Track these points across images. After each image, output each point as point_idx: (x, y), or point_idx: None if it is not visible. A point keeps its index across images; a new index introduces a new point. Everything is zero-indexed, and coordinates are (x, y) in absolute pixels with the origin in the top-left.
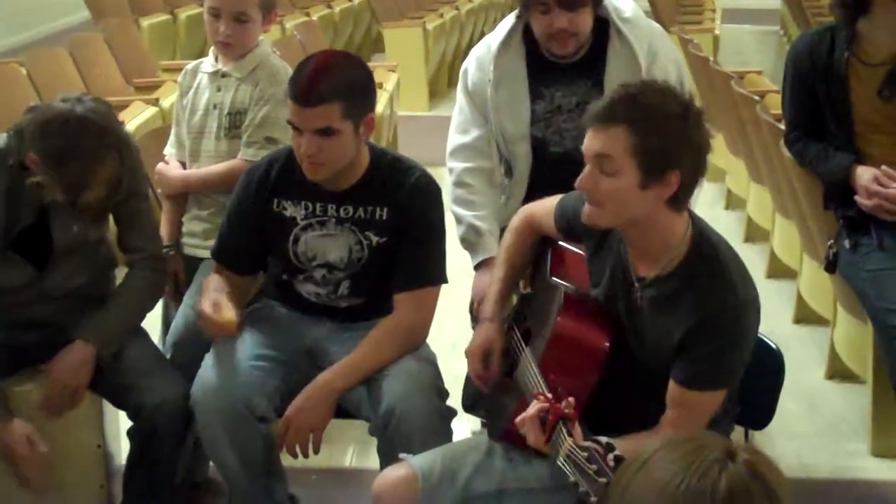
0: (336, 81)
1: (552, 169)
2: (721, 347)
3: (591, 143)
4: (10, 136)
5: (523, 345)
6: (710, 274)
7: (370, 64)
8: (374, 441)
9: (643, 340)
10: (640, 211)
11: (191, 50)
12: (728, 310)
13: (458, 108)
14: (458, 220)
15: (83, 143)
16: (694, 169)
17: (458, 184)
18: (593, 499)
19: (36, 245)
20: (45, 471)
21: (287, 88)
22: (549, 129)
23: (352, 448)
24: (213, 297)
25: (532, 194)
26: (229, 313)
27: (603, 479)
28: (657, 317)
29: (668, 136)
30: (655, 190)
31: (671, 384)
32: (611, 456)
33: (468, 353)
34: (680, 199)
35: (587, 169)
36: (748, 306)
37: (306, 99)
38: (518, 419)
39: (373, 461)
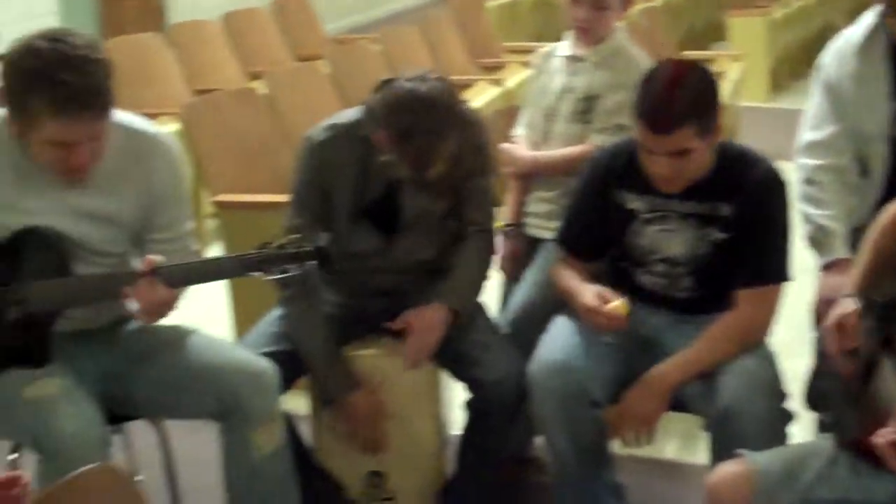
0: (688, 104)
1: None
2: None
3: None
4: (362, 111)
5: (885, 353)
6: None
7: (712, 53)
8: (699, 435)
9: None
10: None
11: (533, 31)
12: None
13: (812, 102)
14: (806, 218)
15: (428, 121)
16: None
17: (808, 181)
18: None
19: (386, 216)
20: (382, 437)
21: (635, 105)
22: None
23: (675, 441)
24: (592, 289)
25: (889, 195)
26: (617, 300)
27: None
28: None
29: None
30: None
31: None
32: None
33: (824, 329)
34: None
35: None
36: None
37: (659, 127)
38: (875, 440)
39: (697, 456)
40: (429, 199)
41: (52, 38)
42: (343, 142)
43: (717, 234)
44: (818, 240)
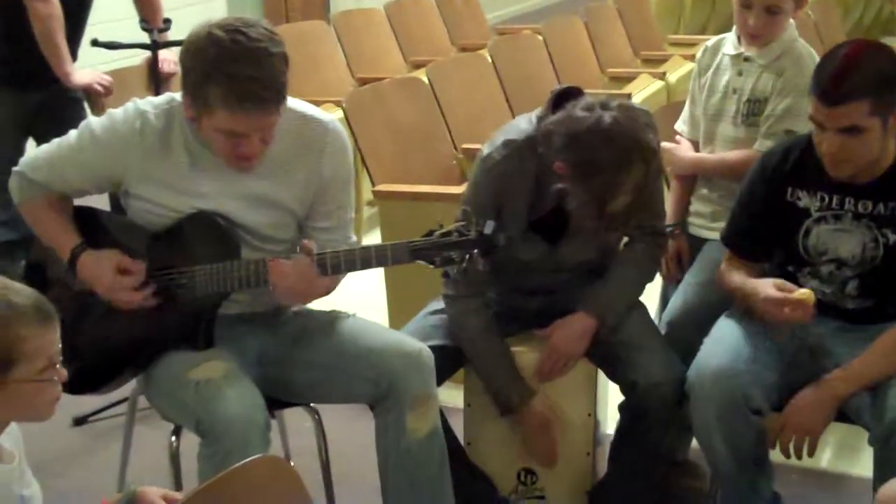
0: (864, 77)
1: None
2: None
3: None
4: (536, 126)
5: None
6: None
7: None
8: (857, 446)
9: None
10: None
11: (695, 24)
12: None
13: None
14: None
15: (612, 156)
16: None
17: None
18: None
19: (553, 225)
20: (553, 446)
21: (811, 82)
22: None
23: (830, 450)
24: (772, 281)
25: None
26: (801, 289)
27: None
28: None
29: None
30: None
31: None
32: None
33: None
34: None
35: None
36: None
37: (831, 97)
38: None
39: (857, 467)
40: (605, 227)
41: (233, 28)
42: (518, 160)
43: (893, 237)
44: None
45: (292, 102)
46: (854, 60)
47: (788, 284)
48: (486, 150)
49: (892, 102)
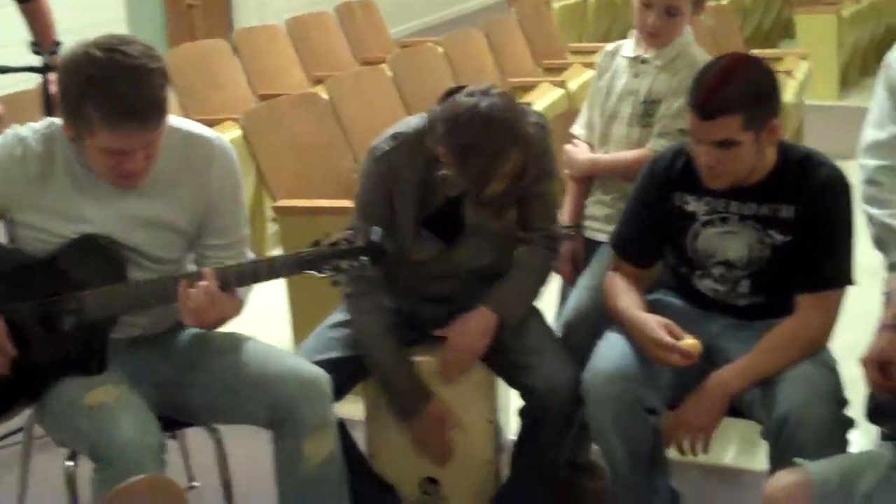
0: (737, 92)
1: None
2: None
3: None
4: (425, 120)
5: None
6: None
7: (780, 51)
8: (758, 441)
9: None
10: None
11: (598, 32)
12: None
13: (875, 101)
14: (870, 219)
15: (487, 140)
16: None
17: (870, 182)
18: None
19: (447, 224)
20: (451, 446)
21: (687, 96)
22: None
23: (734, 446)
24: (658, 320)
25: None
26: (689, 338)
27: None
28: None
29: None
30: None
31: None
32: None
33: (863, 362)
34: None
35: None
36: None
37: (705, 111)
38: None
39: (756, 462)
40: (488, 214)
41: (108, 46)
42: (407, 152)
43: (778, 237)
44: (883, 239)
45: (178, 121)
46: (728, 75)
47: (676, 328)
48: (374, 142)
49: (764, 117)
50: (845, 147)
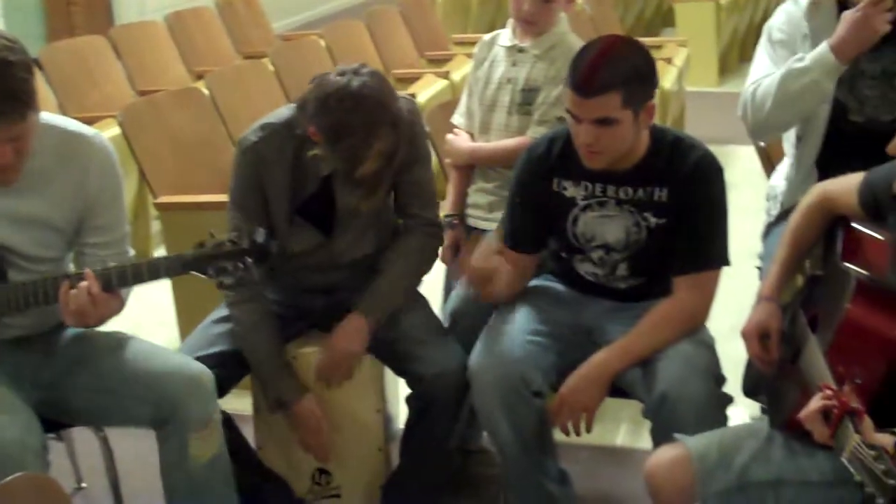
0: (616, 70)
1: (849, 138)
2: None
3: None
4: (297, 107)
5: (809, 331)
6: None
7: (660, 39)
8: (647, 421)
9: None
10: None
11: (482, 23)
12: None
13: (756, 62)
14: (754, 93)
15: (358, 119)
16: None
17: (754, 86)
18: (879, 501)
19: (323, 212)
20: (328, 442)
21: (566, 77)
22: (851, 93)
23: (624, 427)
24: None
25: (823, 164)
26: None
27: (892, 482)
28: None
29: None
30: None
31: None
32: None
33: (744, 334)
34: None
35: None
36: None
37: (584, 89)
38: (802, 414)
39: (645, 441)
40: (361, 195)
41: None
42: (276, 140)
43: (654, 220)
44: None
45: (54, 119)
46: (607, 54)
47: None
48: (243, 134)
49: (642, 96)
50: (726, 132)
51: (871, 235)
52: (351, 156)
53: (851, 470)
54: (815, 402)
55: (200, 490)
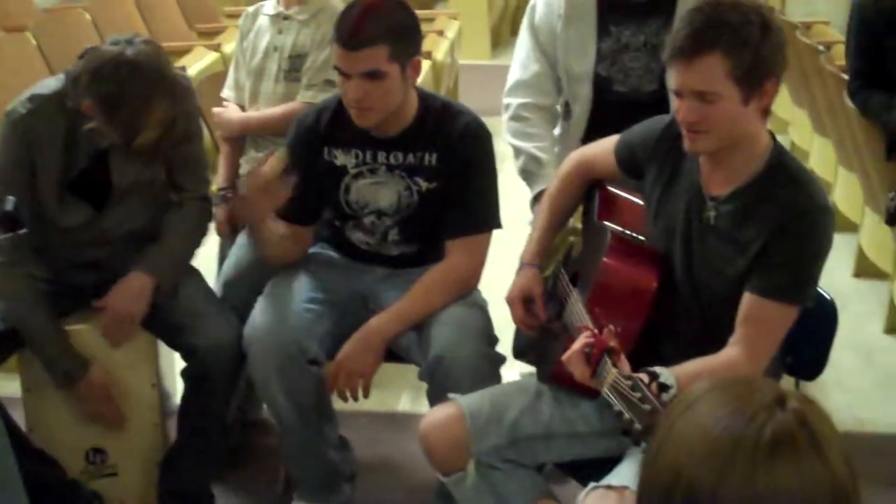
0: (382, 24)
1: (614, 109)
2: (801, 253)
3: (684, 77)
4: (67, 79)
5: (571, 287)
6: (791, 181)
7: (433, 12)
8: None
9: (706, 266)
10: (746, 127)
11: None
12: (808, 215)
13: (519, 44)
14: (518, 151)
15: (134, 88)
16: (782, 68)
17: (515, 118)
18: (637, 426)
19: (95, 187)
20: (119, 410)
21: (333, 33)
22: (614, 66)
23: (406, 393)
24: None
25: (590, 136)
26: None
27: (647, 406)
28: (735, 231)
29: (759, 47)
30: (755, 102)
31: (746, 298)
32: (654, 384)
33: (508, 300)
34: (769, 106)
35: (685, 102)
36: (826, 212)
37: (351, 43)
38: (565, 356)
39: (426, 406)
40: (140, 167)
41: None
42: (47, 113)
43: (425, 184)
44: (530, 170)
45: None
46: (373, 8)
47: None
48: (10, 106)
49: (408, 50)
50: (499, 104)
51: (621, 195)
52: (128, 126)
53: (611, 401)
54: (577, 344)
55: None
